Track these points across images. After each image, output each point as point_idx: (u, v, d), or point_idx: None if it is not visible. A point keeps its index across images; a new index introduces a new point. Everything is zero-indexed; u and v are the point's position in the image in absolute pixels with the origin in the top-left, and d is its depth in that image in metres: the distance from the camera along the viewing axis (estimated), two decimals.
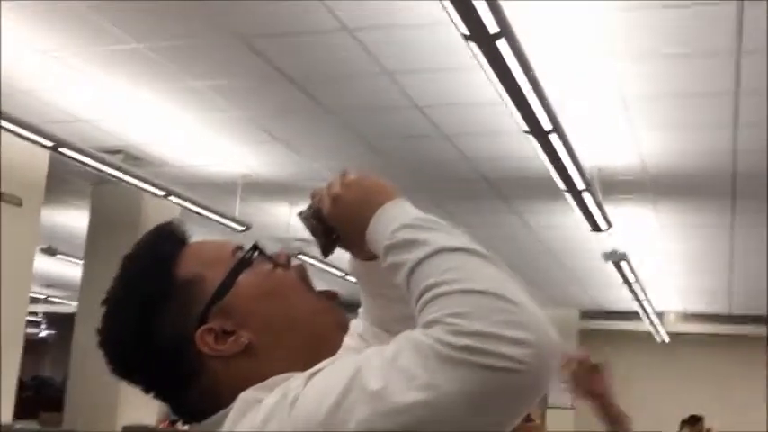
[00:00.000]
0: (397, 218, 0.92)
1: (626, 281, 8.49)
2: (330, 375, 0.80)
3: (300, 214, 1.07)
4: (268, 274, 0.98)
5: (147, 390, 0.98)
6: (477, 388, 0.74)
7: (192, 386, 0.94)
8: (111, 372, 0.97)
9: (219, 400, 0.90)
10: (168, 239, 1.00)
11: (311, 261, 8.54)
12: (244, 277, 0.96)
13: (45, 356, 19.38)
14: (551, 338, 0.78)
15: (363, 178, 1.01)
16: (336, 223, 1.02)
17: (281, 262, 1.00)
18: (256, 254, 0.99)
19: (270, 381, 0.87)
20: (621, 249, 7.55)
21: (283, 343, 0.95)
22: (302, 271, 1.02)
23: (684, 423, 8.14)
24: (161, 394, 0.98)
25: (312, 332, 0.97)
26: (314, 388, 0.80)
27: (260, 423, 0.81)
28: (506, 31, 3.23)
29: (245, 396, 0.87)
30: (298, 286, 1.00)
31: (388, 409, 0.74)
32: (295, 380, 0.83)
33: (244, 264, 0.97)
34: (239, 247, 1.00)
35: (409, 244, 0.87)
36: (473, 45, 3.32)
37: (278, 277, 0.99)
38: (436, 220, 0.90)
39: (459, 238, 0.87)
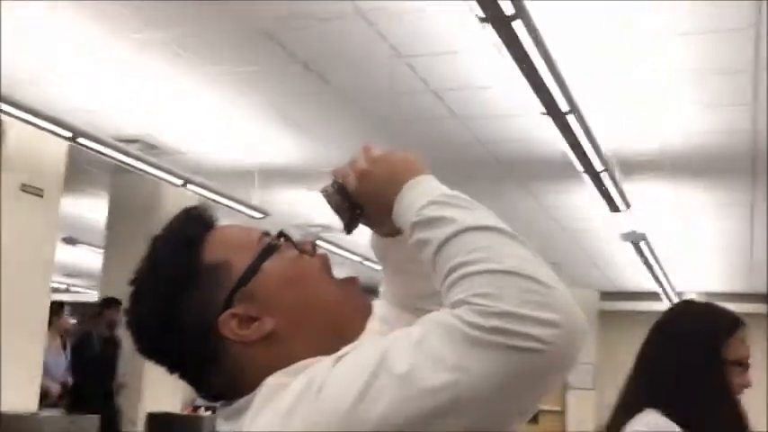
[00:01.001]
0: (424, 194, 0.92)
1: (645, 261, 8.45)
2: (356, 360, 0.80)
3: (324, 190, 1.05)
4: (293, 261, 0.98)
5: (171, 371, 0.99)
6: (504, 369, 0.74)
7: (215, 369, 0.95)
8: (137, 351, 0.98)
9: (244, 384, 0.91)
10: (196, 223, 1.00)
11: (329, 246, 8.57)
12: (269, 263, 0.96)
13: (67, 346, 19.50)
14: (579, 319, 0.78)
15: (390, 153, 1.01)
16: (362, 199, 1.02)
17: (306, 249, 1.00)
18: (282, 240, 0.99)
19: (295, 366, 0.87)
20: (640, 230, 7.51)
21: (307, 329, 0.95)
22: (326, 260, 1.02)
23: None
24: (185, 376, 0.99)
25: (336, 318, 0.97)
26: (340, 373, 0.80)
27: (286, 409, 0.81)
28: (522, 13, 3.21)
29: (271, 381, 0.87)
30: (322, 274, 1.00)
31: (416, 392, 0.74)
32: (321, 365, 0.83)
33: (270, 250, 0.97)
34: (266, 234, 1.00)
35: (436, 221, 0.87)
36: (489, 27, 3.30)
37: (303, 264, 0.99)
38: (464, 198, 0.90)
39: (487, 217, 0.87)
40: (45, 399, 6.63)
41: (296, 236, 1.02)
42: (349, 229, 1.06)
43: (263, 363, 0.90)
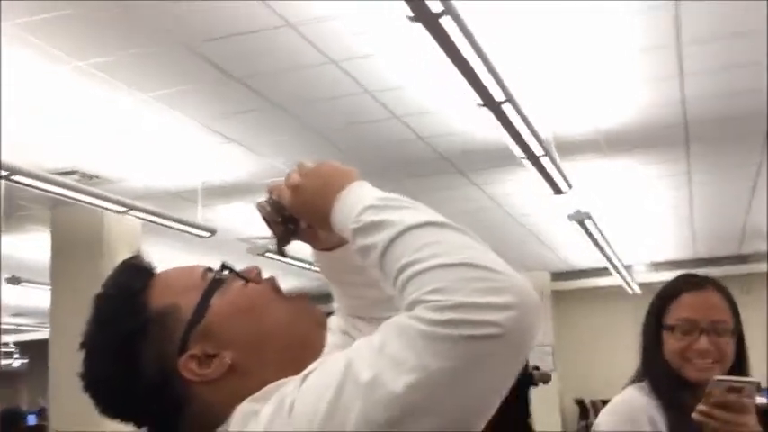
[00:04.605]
0: (360, 200, 0.92)
1: (592, 239, 8.59)
2: (322, 374, 0.81)
3: (259, 205, 1.06)
4: (241, 291, 0.98)
5: (139, 426, 0.98)
6: (465, 359, 0.75)
7: (184, 415, 0.94)
8: (101, 413, 0.96)
9: (216, 422, 0.90)
10: (135, 273, 0.99)
11: (280, 258, 8.51)
12: (217, 298, 0.96)
13: (21, 387, 19.12)
14: (531, 297, 0.79)
15: (321, 165, 1.02)
16: (298, 213, 1.03)
17: (251, 277, 1.00)
18: (226, 272, 0.99)
19: (263, 390, 0.87)
20: (584, 209, 7.64)
21: (268, 355, 0.95)
22: (274, 282, 1.02)
23: None
24: (154, 428, 0.98)
25: (293, 338, 0.98)
26: (309, 389, 0.80)
27: None
28: (449, 9, 3.24)
29: (242, 409, 0.87)
30: (272, 297, 1.00)
31: (383, 397, 0.75)
32: (289, 385, 0.83)
33: (215, 285, 0.97)
34: (209, 269, 1.00)
35: (377, 225, 0.87)
36: (419, 25, 3.33)
37: (251, 292, 0.99)
38: (399, 198, 0.91)
39: (425, 213, 0.87)
40: None
41: (238, 266, 1.01)
42: (281, 244, 1.07)
43: (232, 396, 0.90)
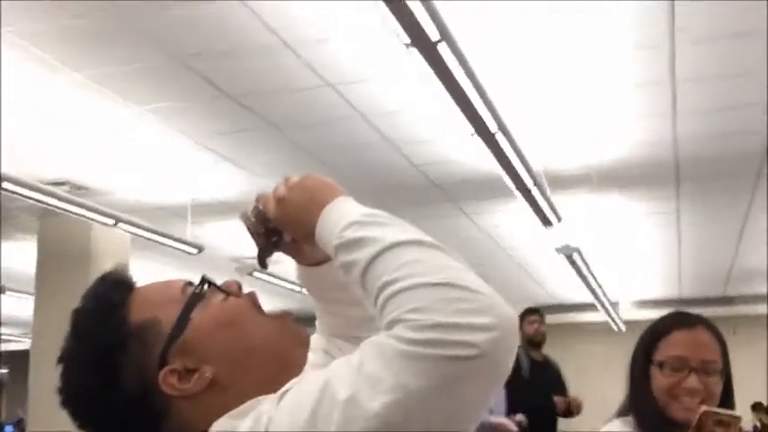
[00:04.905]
0: (344, 215, 0.91)
1: (580, 274, 8.60)
2: (300, 392, 0.80)
3: (243, 215, 1.05)
4: (221, 305, 0.98)
5: None
6: (443, 379, 0.75)
7: (162, 430, 0.93)
8: (78, 428, 0.95)
9: None
10: (115, 287, 0.98)
11: (267, 278, 8.49)
12: (198, 312, 0.96)
13: (0, 397, 18.91)
14: (510, 318, 0.79)
15: (307, 178, 1.01)
16: (282, 225, 1.03)
17: (232, 291, 1.00)
18: (206, 286, 0.99)
19: (241, 408, 0.87)
20: (574, 243, 7.65)
21: (248, 371, 0.95)
22: (254, 298, 1.02)
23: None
24: None
25: (274, 354, 0.97)
26: (286, 407, 0.79)
27: None
28: (447, 37, 3.26)
29: (219, 425, 0.86)
30: (253, 313, 0.99)
31: (360, 416, 0.74)
32: (266, 402, 0.83)
33: (196, 298, 0.97)
34: (189, 283, 1.00)
35: (359, 242, 0.87)
36: (415, 52, 3.35)
37: (232, 306, 0.98)
38: (383, 215, 0.90)
39: (408, 231, 0.87)
40: None
41: (219, 279, 1.01)
42: (262, 255, 1.06)
43: (212, 412, 0.89)
